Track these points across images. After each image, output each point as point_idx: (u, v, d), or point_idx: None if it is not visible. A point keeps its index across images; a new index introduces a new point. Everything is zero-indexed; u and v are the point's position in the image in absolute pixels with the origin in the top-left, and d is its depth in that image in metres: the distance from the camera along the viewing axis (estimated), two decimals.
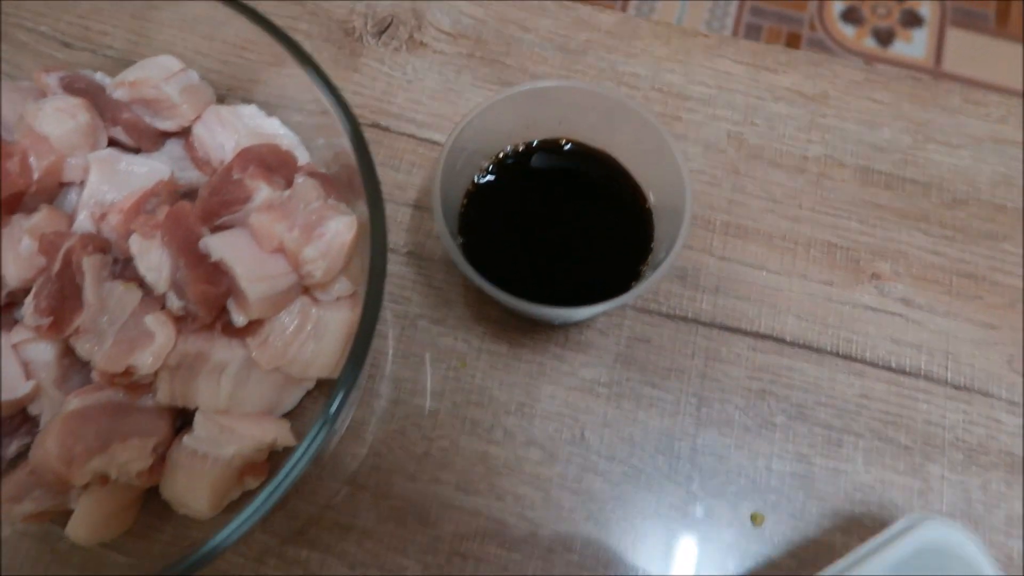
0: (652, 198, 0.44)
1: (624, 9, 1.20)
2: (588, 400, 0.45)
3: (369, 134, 0.51)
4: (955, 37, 1.30)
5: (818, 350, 0.46)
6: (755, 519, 0.42)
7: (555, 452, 0.44)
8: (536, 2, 0.55)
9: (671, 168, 0.41)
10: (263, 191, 0.37)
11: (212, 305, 0.36)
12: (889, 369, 0.46)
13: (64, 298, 0.36)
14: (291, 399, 0.41)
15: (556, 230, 0.44)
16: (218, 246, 0.36)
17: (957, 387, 0.46)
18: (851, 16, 1.32)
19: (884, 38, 1.31)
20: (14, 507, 0.37)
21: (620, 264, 0.43)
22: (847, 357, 0.46)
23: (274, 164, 0.38)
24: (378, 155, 0.50)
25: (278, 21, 0.52)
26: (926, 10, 1.28)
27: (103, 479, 0.36)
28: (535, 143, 0.46)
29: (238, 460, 0.38)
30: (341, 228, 0.38)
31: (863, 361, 0.46)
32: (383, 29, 0.53)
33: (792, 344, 0.46)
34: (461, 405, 0.44)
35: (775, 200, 0.50)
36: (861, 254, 0.48)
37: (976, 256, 0.49)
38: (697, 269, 0.48)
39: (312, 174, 0.40)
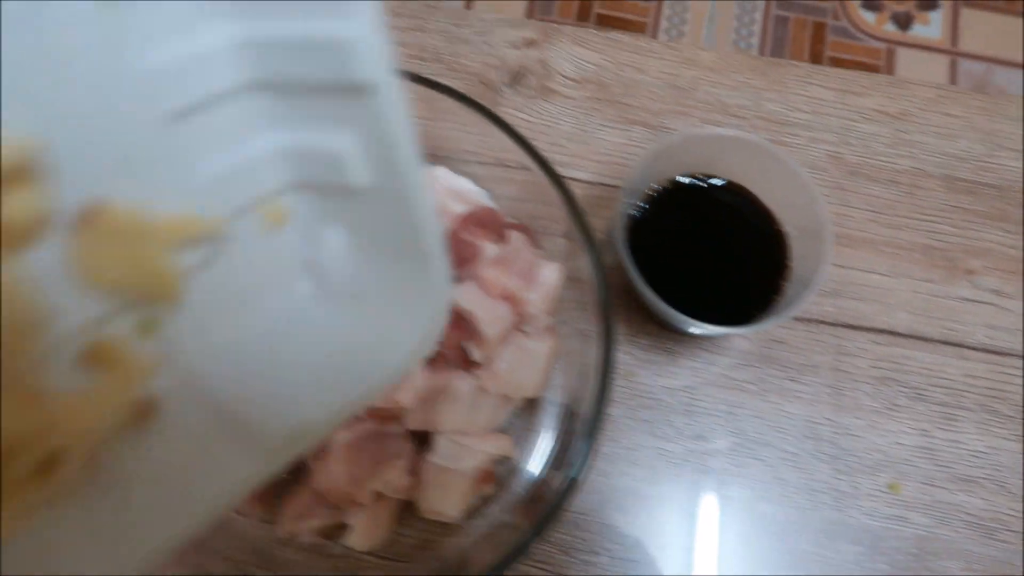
0: (785, 222, 0.52)
1: (656, 25, 1.27)
2: (740, 397, 0.53)
3: (519, 175, 0.58)
4: (969, 16, 1.37)
5: (927, 339, 0.54)
6: (893, 488, 0.51)
7: (718, 443, 0.51)
8: (645, 44, 0.62)
9: (808, 200, 0.49)
10: (489, 249, 0.44)
11: (457, 346, 0.44)
12: (988, 351, 0.54)
13: None
14: (504, 416, 0.49)
15: (705, 255, 0.52)
16: (462, 298, 0.43)
17: None
18: (871, 3, 1.38)
19: (903, 22, 1.37)
20: (301, 523, 0.44)
21: (763, 282, 0.51)
22: (952, 344, 0.54)
23: (488, 223, 0.46)
24: (529, 193, 0.57)
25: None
26: None
27: (378, 496, 0.44)
28: (679, 178, 0.53)
29: (475, 471, 0.45)
30: (551, 273, 0.45)
31: (966, 346, 0.54)
32: (516, 79, 0.60)
33: (905, 336, 0.54)
34: (636, 410, 0.52)
35: (876, 211, 0.57)
36: (955, 253, 0.56)
37: None
38: None
39: (516, 228, 0.47)
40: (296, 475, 0.45)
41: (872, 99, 0.61)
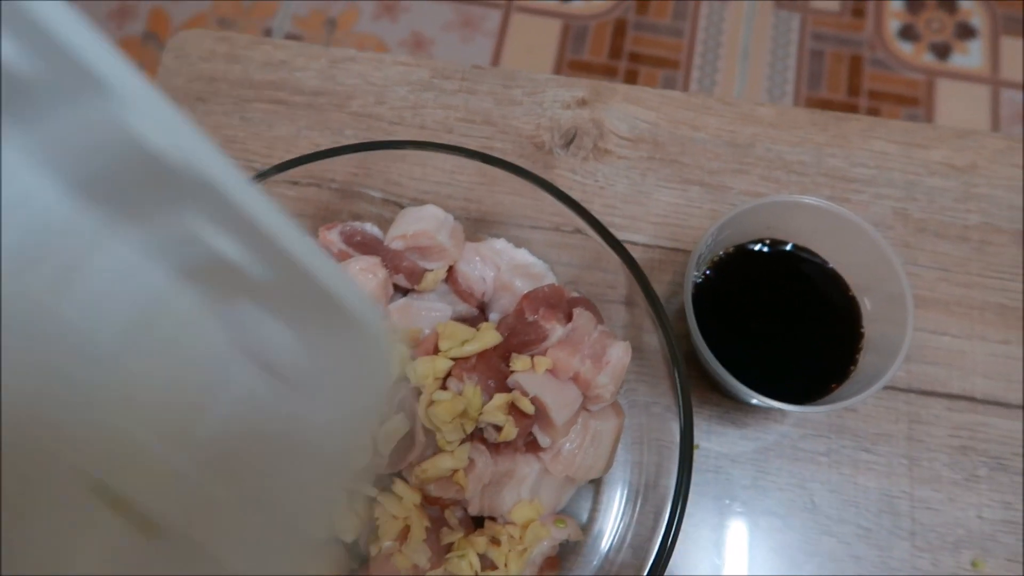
0: (856, 287, 0.50)
1: (689, 61, 1.26)
2: (812, 469, 0.51)
3: (573, 240, 0.56)
4: (1009, 45, 1.35)
5: (1007, 405, 0.52)
6: (976, 565, 0.48)
7: (790, 519, 0.50)
8: (700, 101, 0.61)
9: (881, 262, 0.47)
10: (557, 330, 0.43)
11: (525, 432, 0.43)
12: None
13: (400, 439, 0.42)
14: (567, 498, 0.47)
15: (774, 322, 0.50)
16: (530, 383, 0.42)
17: None
18: (908, 33, 1.36)
19: (941, 52, 1.35)
20: None
21: (836, 351, 0.49)
22: None
23: (554, 301, 0.44)
24: (584, 258, 0.56)
25: (475, 143, 0.59)
26: (977, 20, 1.32)
27: None
28: (747, 244, 0.51)
29: (541, 557, 0.44)
30: (621, 354, 0.44)
31: None
32: (569, 140, 0.59)
33: (983, 401, 0.52)
34: (705, 484, 0.50)
35: (946, 269, 0.56)
36: None
37: None
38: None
39: (580, 303, 0.46)
40: None
41: (938, 152, 0.59)
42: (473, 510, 0.44)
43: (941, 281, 0.55)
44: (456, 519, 0.45)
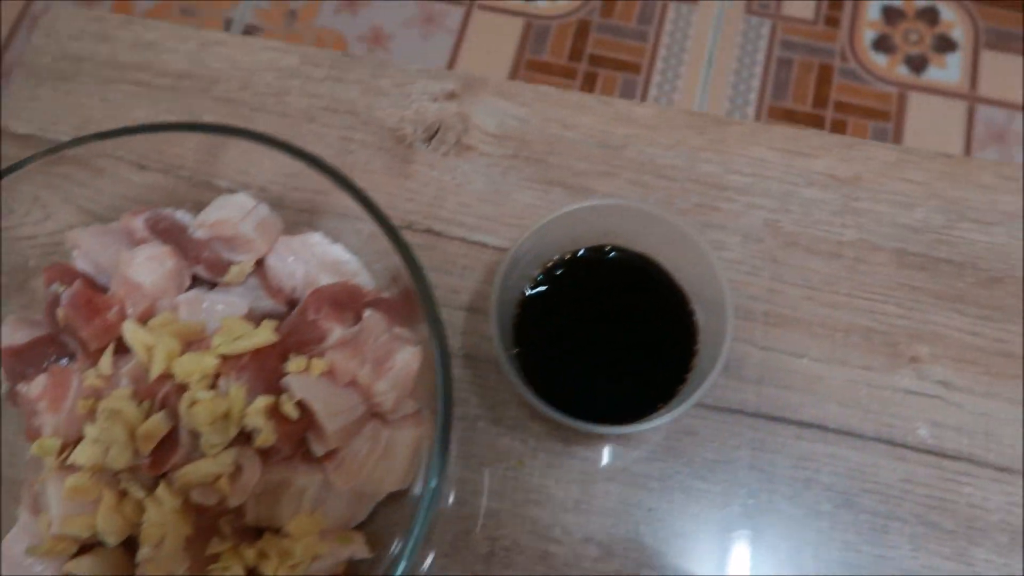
0: (695, 299, 0.47)
1: (651, 66, 1.22)
2: (641, 495, 0.47)
3: (422, 239, 0.54)
4: (989, 59, 1.30)
5: (861, 436, 0.48)
6: None
7: (612, 548, 0.46)
8: (576, 99, 0.58)
9: (712, 280, 0.44)
10: (336, 331, 0.40)
11: (294, 439, 0.40)
12: (931, 453, 0.48)
13: (162, 439, 0.40)
14: (364, 511, 0.44)
15: (606, 337, 0.47)
16: (298, 386, 0.39)
17: (1000, 468, 0.47)
18: (883, 44, 1.32)
19: (917, 65, 1.31)
20: None
21: (668, 367, 0.46)
22: (889, 442, 0.48)
23: (343, 300, 0.42)
24: (432, 260, 0.53)
25: (335, 133, 0.56)
26: (959, 33, 1.27)
27: None
28: (581, 252, 0.48)
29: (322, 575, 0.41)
30: (408, 359, 0.41)
31: (905, 446, 0.48)
32: (432, 134, 0.57)
33: (835, 431, 0.48)
34: (521, 504, 0.47)
35: (813, 287, 0.52)
36: (899, 338, 0.50)
37: (1013, 335, 0.50)
38: (740, 360, 0.50)
39: (377, 303, 0.43)
40: None
41: (821, 161, 0.55)
42: (250, 520, 0.41)
43: (806, 300, 0.51)
44: (230, 529, 0.42)
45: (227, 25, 1.27)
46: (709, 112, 0.55)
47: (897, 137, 1.20)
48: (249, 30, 1.27)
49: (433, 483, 0.36)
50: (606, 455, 0.48)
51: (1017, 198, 0.53)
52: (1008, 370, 0.49)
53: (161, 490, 0.40)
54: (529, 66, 1.22)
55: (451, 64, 1.25)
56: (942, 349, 0.50)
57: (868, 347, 0.50)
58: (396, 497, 0.45)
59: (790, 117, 1.19)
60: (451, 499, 0.48)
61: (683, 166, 0.55)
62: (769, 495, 0.47)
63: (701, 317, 0.46)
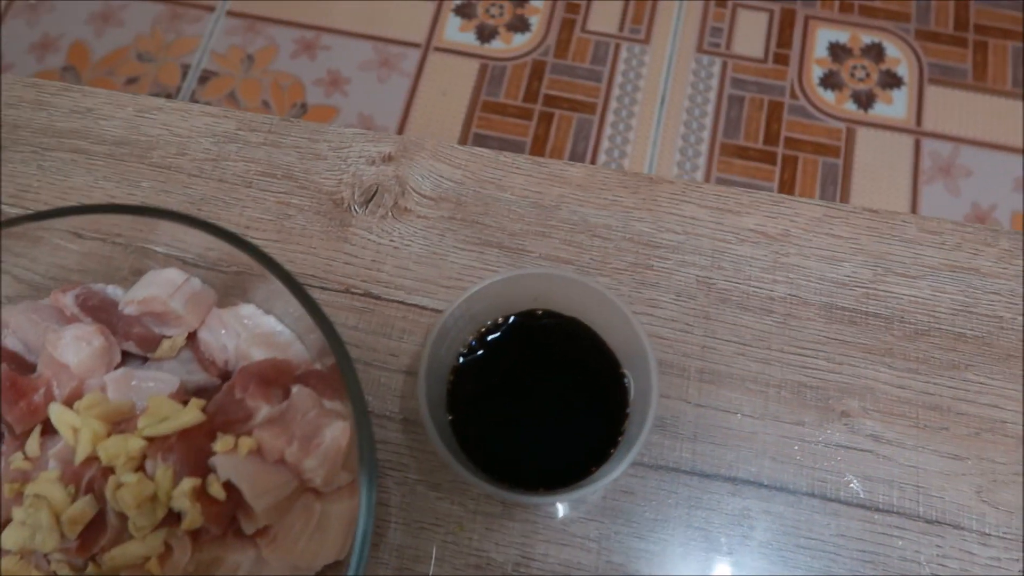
0: (624, 362, 0.47)
1: (605, 105, 1.24)
2: (580, 556, 0.48)
3: (361, 303, 0.54)
4: (934, 94, 1.33)
5: (794, 492, 0.49)
6: None
7: None
8: (510, 160, 0.58)
9: (637, 342, 0.44)
10: (263, 409, 0.40)
11: (222, 519, 0.40)
12: (863, 507, 0.49)
13: (89, 521, 0.39)
14: None
15: (539, 402, 0.48)
16: (225, 466, 0.39)
17: (929, 521, 0.48)
18: (830, 81, 1.35)
19: (864, 101, 1.34)
20: None
21: (601, 430, 0.46)
22: (823, 497, 0.49)
23: (271, 377, 0.42)
24: (371, 324, 0.53)
25: (273, 197, 0.57)
26: (904, 69, 1.31)
27: None
28: (512, 318, 0.49)
29: None
30: (337, 434, 0.41)
31: (837, 500, 0.49)
32: (369, 198, 0.57)
33: (769, 487, 0.49)
34: (461, 569, 0.47)
35: (745, 343, 0.53)
36: (830, 392, 0.51)
37: (940, 387, 0.51)
38: (675, 418, 0.51)
39: (308, 377, 0.43)
40: None
41: (750, 218, 0.57)
42: None
43: (739, 356, 0.52)
44: None
45: (184, 71, 1.27)
46: (641, 171, 0.56)
47: (847, 172, 1.22)
48: (206, 76, 1.27)
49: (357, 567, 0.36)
50: (544, 516, 0.49)
51: (939, 251, 0.55)
52: (935, 422, 0.51)
53: (90, 572, 0.40)
54: (485, 107, 1.24)
55: (407, 107, 1.26)
56: (871, 403, 0.51)
57: (800, 402, 0.51)
58: (333, 568, 0.45)
59: (742, 154, 1.21)
60: (391, 566, 0.48)
61: (616, 225, 0.56)
62: (706, 553, 0.48)
63: (631, 379, 0.47)
